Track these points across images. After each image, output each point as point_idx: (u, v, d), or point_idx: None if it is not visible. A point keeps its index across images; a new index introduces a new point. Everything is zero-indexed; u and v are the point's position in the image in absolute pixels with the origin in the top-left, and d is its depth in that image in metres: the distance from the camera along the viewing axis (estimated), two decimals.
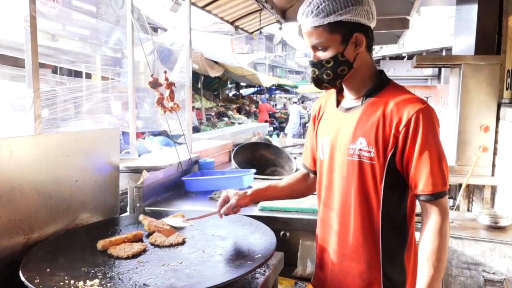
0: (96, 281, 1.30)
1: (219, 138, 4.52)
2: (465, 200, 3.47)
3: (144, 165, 2.24)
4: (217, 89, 18.03)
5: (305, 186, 1.79)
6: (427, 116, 1.36)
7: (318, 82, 1.48)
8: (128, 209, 2.25)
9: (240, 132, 5.54)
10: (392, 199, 1.44)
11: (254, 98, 21.22)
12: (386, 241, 1.45)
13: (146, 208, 2.21)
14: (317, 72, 1.45)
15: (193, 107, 15.10)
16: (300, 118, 15.89)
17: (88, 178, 1.92)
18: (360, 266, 1.49)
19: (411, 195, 1.44)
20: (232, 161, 3.19)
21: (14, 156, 1.52)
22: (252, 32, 6.48)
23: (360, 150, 1.43)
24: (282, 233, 2.89)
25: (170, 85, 2.67)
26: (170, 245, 1.65)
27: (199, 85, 14.52)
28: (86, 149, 1.90)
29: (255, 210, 2.15)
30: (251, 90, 21.57)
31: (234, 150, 3.31)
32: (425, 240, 1.35)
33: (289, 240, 2.98)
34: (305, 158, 1.77)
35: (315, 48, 1.43)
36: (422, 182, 1.35)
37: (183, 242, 1.68)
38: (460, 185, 3.31)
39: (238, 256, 1.49)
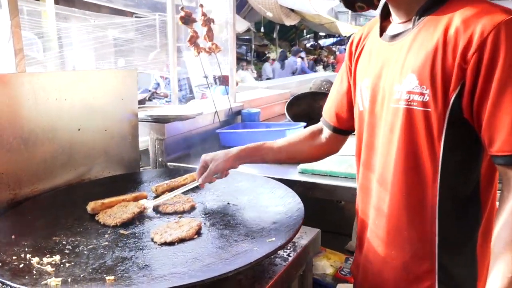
0: (56, 257, 1.01)
1: (281, 88, 4.08)
2: None
3: (167, 114, 1.93)
4: (293, 40, 17.27)
5: (310, 147, 1.39)
6: None
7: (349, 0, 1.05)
8: (150, 163, 1.97)
9: (306, 81, 5.02)
10: (457, 163, 0.98)
11: (333, 49, 20.08)
12: (445, 224, 1.01)
13: (169, 163, 1.91)
14: None
15: (268, 58, 14.66)
16: None
17: (95, 127, 1.65)
18: (403, 255, 1.06)
19: (488, 157, 0.96)
20: (286, 113, 2.78)
21: None
22: None
23: (408, 92, 0.97)
24: (336, 199, 2.47)
25: (208, 21, 2.28)
26: (174, 212, 1.34)
27: (274, 35, 13.95)
28: (91, 93, 1.61)
29: (294, 173, 1.75)
30: (331, 40, 20.38)
31: (288, 101, 2.87)
32: (502, 223, 0.89)
33: (345, 206, 2.55)
34: (326, 109, 1.36)
35: None
36: (501, 137, 0.87)
37: (190, 209, 1.36)
38: None
39: (246, 237, 1.12)
